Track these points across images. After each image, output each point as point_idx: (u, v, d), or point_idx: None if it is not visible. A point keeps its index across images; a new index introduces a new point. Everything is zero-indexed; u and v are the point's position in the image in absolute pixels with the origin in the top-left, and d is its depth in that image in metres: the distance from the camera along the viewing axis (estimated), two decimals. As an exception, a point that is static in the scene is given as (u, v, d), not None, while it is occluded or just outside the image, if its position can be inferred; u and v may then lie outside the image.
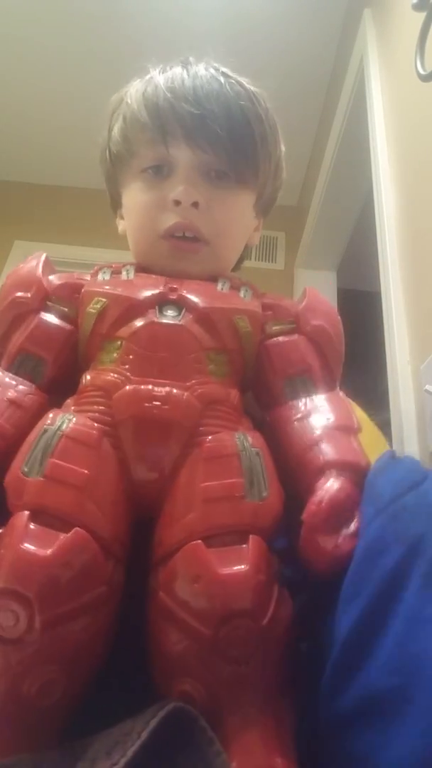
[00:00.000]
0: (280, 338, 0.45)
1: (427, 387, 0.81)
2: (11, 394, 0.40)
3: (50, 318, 0.44)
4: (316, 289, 0.50)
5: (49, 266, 0.48)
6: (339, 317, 0.49)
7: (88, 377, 0.41)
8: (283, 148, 0.55)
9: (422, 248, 0.95)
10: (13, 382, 0.41)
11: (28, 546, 0.31)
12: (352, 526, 0.35)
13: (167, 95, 0.47)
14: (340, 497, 0.35)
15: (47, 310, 0.45)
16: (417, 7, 0.91)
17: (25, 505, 0.33)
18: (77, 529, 0.32)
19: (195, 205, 0.46)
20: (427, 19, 0.90)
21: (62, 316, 0.45)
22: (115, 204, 0.56)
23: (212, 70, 0.50)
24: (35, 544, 0.31)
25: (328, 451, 0.38)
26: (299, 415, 0.42)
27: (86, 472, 0.34)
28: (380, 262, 1.11)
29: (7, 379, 0.42)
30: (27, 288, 0.45)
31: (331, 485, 0.36)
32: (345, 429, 0.40)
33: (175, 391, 0.38)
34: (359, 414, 0.45)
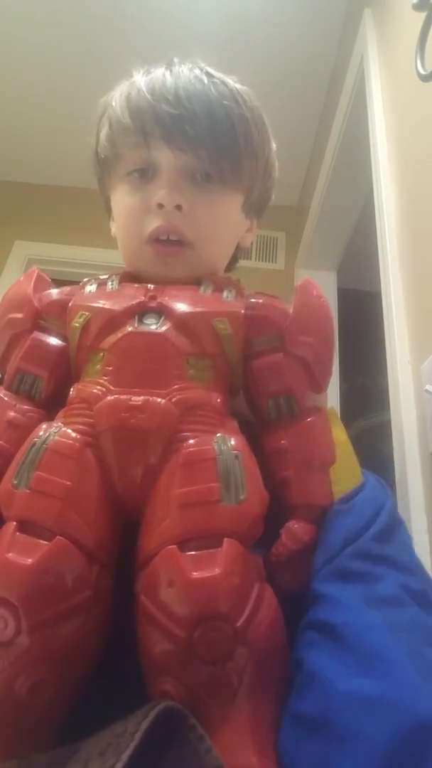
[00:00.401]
0: (264, 359, 0.44)
1: (427, 387, 0.80)
2: (10, 414, 0.42)
3: (43, 336, 0.45)
4: (309, 285, 0.48)
5: (42, 282, 0.49)
6: (330, 321, 0.47)
7: (75, 390, 0.42)
8: (273, 146, 0.55)
9: (422, 248, 0.95)
10: (13, 402, 0.43)
11: (12, 555, 0.32)
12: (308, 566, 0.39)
13: (148, 97, 0.47)
14: (298, 548, 0.39)
15: (40, 328, 0.46)
16: (417, 7, 0.91)
17: (15, 516, 0.35)
18: (58, 537, 0.33)
19: (178, 208, 0.46)
20: (427, 19, 0.90)
21: (54, 333, 0.46)
22: (109, 207, 0.56)
23: (197, 71, 0.49)
24: (19, 553, 0.32)
25: (297, 492, 0.41)
26: (279, 449, 0.43)
27: (68, 483, 0.35)
28: (380, 262, 1.11)
29: (6, 399, 0.44)
30: (19, 308, 0.46)
31: (293, 535, 0.40)
32: (319, 466, 0.42)
33: (152, 399, 0.38)
34: (336, 433, 0.45)
